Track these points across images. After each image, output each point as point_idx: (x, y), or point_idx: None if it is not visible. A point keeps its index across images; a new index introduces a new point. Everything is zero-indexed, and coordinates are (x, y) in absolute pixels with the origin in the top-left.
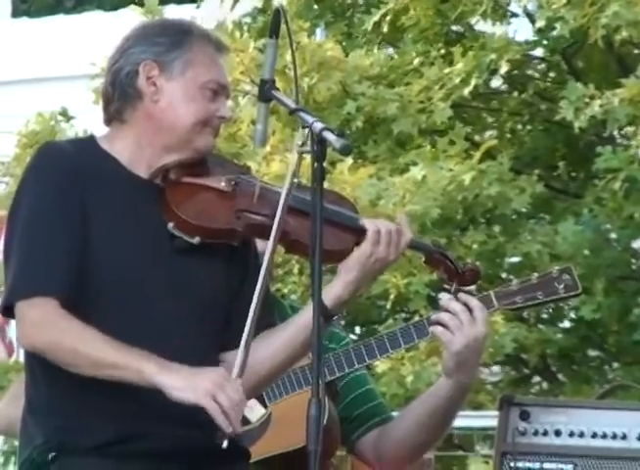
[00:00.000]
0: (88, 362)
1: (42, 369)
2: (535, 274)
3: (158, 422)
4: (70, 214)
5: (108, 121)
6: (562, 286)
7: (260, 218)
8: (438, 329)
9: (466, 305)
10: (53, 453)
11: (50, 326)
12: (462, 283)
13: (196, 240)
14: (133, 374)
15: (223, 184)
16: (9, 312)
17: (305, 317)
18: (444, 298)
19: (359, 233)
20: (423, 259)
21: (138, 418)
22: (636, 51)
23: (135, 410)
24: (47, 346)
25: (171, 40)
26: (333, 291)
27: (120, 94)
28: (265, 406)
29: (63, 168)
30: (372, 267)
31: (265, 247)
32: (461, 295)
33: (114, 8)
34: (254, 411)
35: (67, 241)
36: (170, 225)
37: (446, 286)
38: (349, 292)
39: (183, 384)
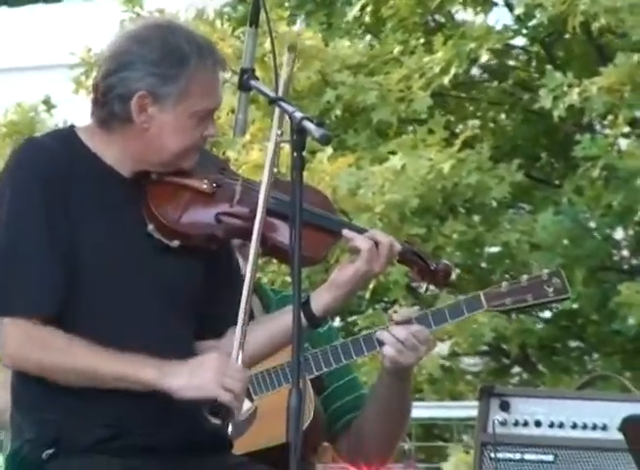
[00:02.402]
0: (86, 378)
1: None
2: (525, 276)
3: (151, 416)
4: (54, 221)
5: (92, 117)
6: (551, 289)
7: (241, 222)
8: (388, 351)
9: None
10: (49, 451)
11: (38, 346)
12: (433, 282)
13: (175, 243)
14: (135, 384)
15: (205, 186)
16: None
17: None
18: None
19: (338, 236)
20: (397, 259)
21: (132, 413)
22: (615, 40)
23: (130, 406)
24: (38, 367)
25: (168, 72)
26: (323, 302)
27: (110, 110)
28: (252, 400)
29: (45, 172)
30: (364, 281)
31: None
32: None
33: None
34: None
35: (51, 259)
36: (150, 227)
37: (418, 286)
38: (340, 303)
39: (188, 383)
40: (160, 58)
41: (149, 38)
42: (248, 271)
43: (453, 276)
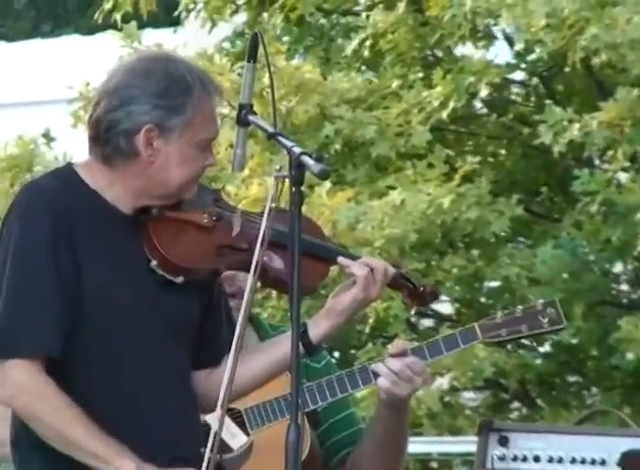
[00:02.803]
0: (68, 446)
1: None
2: (520, 307)
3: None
4: (60, 262)
5: (91, 153)
6: (546, 320)
7: (241, 255)
8: (383, 382)
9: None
10: None
11: (37, 397)
12: (423, 303)
13: (179, 279)
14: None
15: (205, 221)
16: None
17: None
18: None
19: (332, 263)
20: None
21: (139, 448)
22: (615, 74)
23: (136, 440)
24: (29, 415)
25: (173, 103)
26: (321, 331)
27: (114, 145)
28: (248, 434)
29: (49, 212)
30: (360, 308)
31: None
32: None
33: (92, 32)
34: (237, 439)
35: (56, 297)
36: (154, 264)
37: (409, 309)
38: (337, 331)
39: None
40: (166, 89)
41: (150, 71)
42: (241, 311)
43: (443, 311)
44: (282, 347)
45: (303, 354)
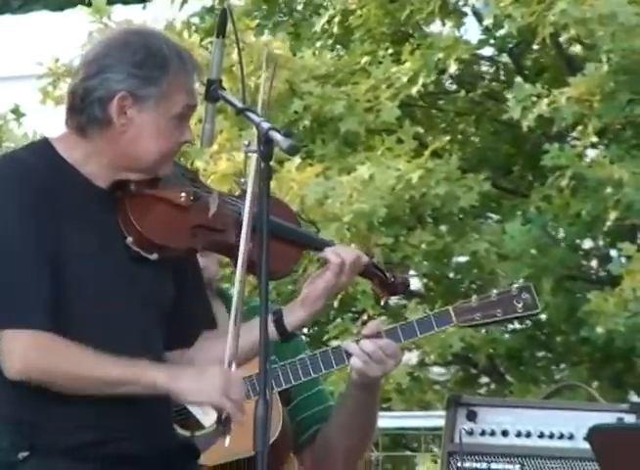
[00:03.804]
0: (99, 384)
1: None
2: (495, 291)
3: (132, 425)
4: (41, 233)
5: (68, 125)
6: (521, 304)
7: (217, 236)
8: (355, 362)
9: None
10: (24, 453)
11: (47, 354)
12: (393, 293)
13: (154, 256)
14: (145, 387)
15: (183, 199)
16: None
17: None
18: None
19: (306, 249)
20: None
21: (115, 417)
22: (584, 50)
23: (110, 413)
24: (45, 373)
25: (150, 74)
26: (297, 320)
27: (89, 114)
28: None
29: (29, 188)
30: (334, 294)
31: None
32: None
33: (61, 8)
34: (209, 417)
35: (44, 270)
36: (129, 240)
37: (380, 299)
38: (313, 318)
39: (195, 388)
40: (143, 60)
41: (129, 42)
42: (236, 284)
43: (411, 287)
44: (253, 334)
45: (278, 340)
